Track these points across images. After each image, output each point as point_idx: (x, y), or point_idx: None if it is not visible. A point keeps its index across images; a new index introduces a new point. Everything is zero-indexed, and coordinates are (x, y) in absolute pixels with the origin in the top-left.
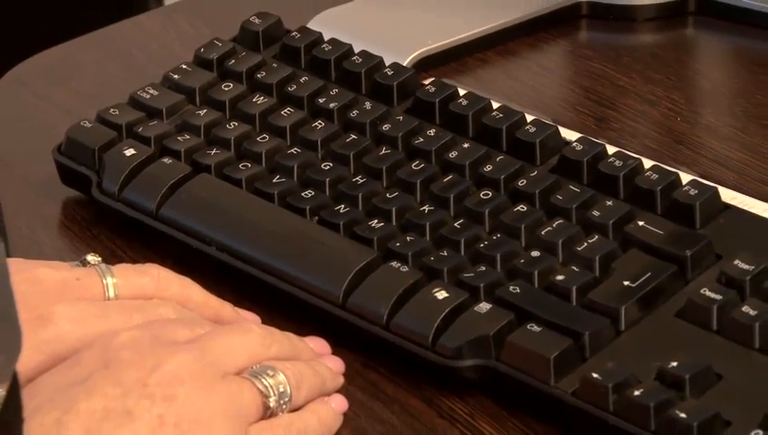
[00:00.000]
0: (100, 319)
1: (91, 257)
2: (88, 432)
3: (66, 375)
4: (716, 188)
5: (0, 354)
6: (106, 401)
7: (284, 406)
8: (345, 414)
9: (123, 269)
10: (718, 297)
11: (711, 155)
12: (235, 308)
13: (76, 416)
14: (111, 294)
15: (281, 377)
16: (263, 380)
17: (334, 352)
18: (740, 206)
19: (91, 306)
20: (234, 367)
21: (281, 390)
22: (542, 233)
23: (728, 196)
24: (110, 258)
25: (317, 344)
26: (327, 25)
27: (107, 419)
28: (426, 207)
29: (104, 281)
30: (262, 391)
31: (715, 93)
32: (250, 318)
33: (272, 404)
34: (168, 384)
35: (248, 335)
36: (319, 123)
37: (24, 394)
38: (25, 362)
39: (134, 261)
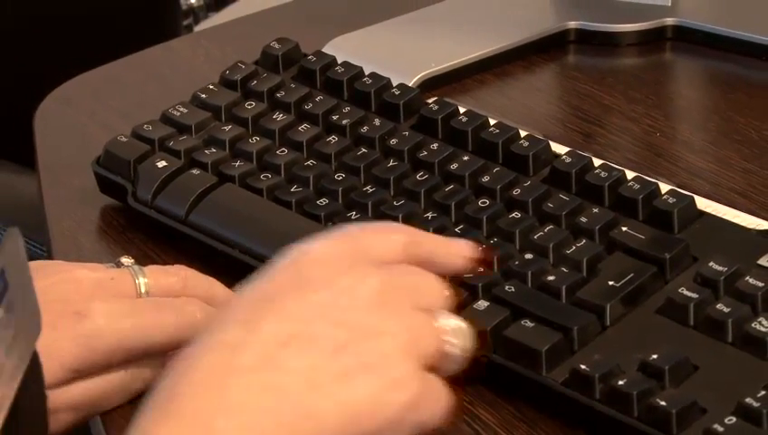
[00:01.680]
0: (132, 315)
1: (124, 259)
2: (265, 356)
3: (260, 296)
4: (692, 197)
5: (20, 336)
6: (291, 326)
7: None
8: None
9: (154, 270)
10: (695, 296)
11: (687, 167)
12: None
13: (258, 337)
14: (143, 291)
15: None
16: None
17: None
18: (713, 213)
19: (124, 303)
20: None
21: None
22: (535, 237)
23: (703, 204)
24: (144, 260)
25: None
26: (340, 50)
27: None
28: (429, 214)
29: (136, 281)
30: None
31: (690, 111)
32: None
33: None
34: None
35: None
36: (333, 138)
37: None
38: (64, 355)
39: (165, 263)
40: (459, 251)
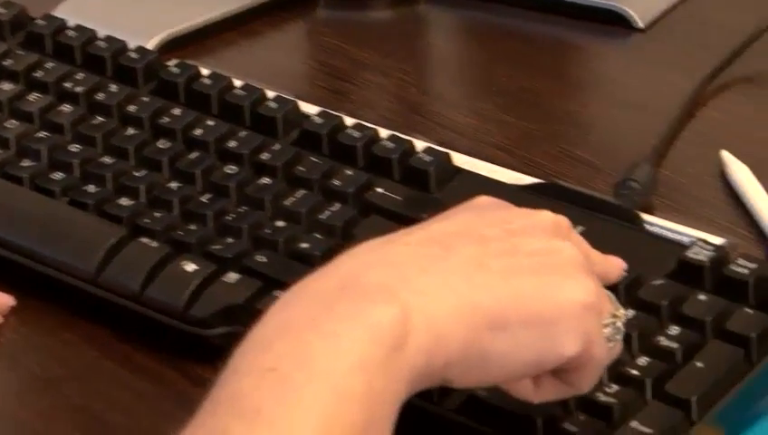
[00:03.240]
0: None
1: None
2: (430, 238)
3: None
4: (449, 154)
5: None
6: (462, 227)
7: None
8: (97, 388)
9: None
10: None
11: (444, 122)
12: None
13: (424, 231)
14: None
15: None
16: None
17: (87, 329)
18: (472, 169)
19: None
20: None
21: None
22: (286, 203)
23: (461, 160)
24: None
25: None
26: (72, 13)
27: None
28: (173, 184)
29: None
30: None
31: (446, 64)
32: (3, 300)
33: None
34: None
35: None
36: (66, 107)
37: None
38: None
39: None
40: (618, 263)
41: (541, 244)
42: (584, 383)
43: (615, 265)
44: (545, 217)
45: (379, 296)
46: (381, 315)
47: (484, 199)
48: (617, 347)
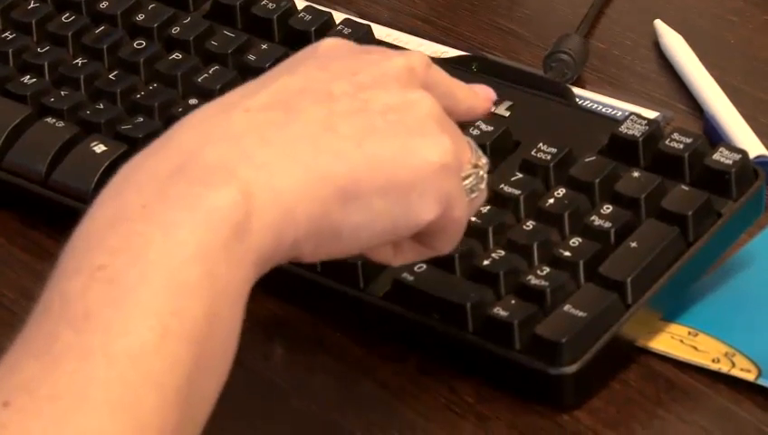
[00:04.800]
0: None
1: None
2: (276, 100)
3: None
4: (369, 26)
5: None
6: (307, 82)
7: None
8: (7, 277)
9: None
10: None
11: None
12: None
13: (268, 88)
14: None
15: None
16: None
17: None
18: (394, 42)
19: None
20: None
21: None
22: (199, 80)
23: (382, 33)
24: None
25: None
26: None
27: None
28: (79, 61)
29: None
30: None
31: None
32: None
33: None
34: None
35: None
36: None
37: None
38: None
39: None
40: (486, 94)
41: (393, 98)
42: (445, 245)
43: (483, 98)
44: (396, 62)
45: (217, 178)
46: (219, 199)
47: (329, 43)
48: (480, 197)
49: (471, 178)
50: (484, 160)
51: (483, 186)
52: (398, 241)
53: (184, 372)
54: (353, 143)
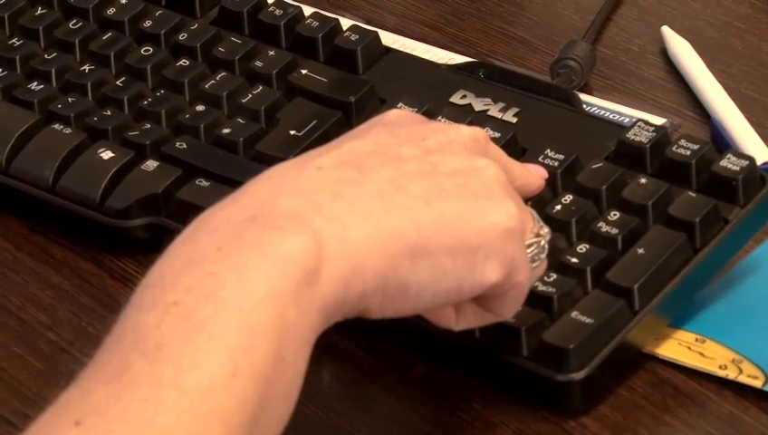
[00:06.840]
0: None
1: None
2: (344, 160)
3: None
4: (377, 33)
5: None
6: (375, 146)
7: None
8: (14, 281)
9: None
10: None
11: None
12: None
13: (337, 150)
14: None
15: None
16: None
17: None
18: (401, 49)
19: None
20: None
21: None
22: (206, 86)
23: (390, 39)
24: None
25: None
26: None
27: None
28: (86, 67)
29: None
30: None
31: None
32: None
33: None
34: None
35: None
36: None
37: None
38: None
39: None
40: (539, 173)
41: (460, 163)
42: (507, 310)
43: (536, 176)
44: (463, 132)
45: (290, 225)
46: (292, 245)
47: (395, 114)
48: (541, 267)
49: (533, 248)
50: (546, 230)
51: (544, 256)
52: (460, 304)
53: (250, 411)
54: (423, 202)
